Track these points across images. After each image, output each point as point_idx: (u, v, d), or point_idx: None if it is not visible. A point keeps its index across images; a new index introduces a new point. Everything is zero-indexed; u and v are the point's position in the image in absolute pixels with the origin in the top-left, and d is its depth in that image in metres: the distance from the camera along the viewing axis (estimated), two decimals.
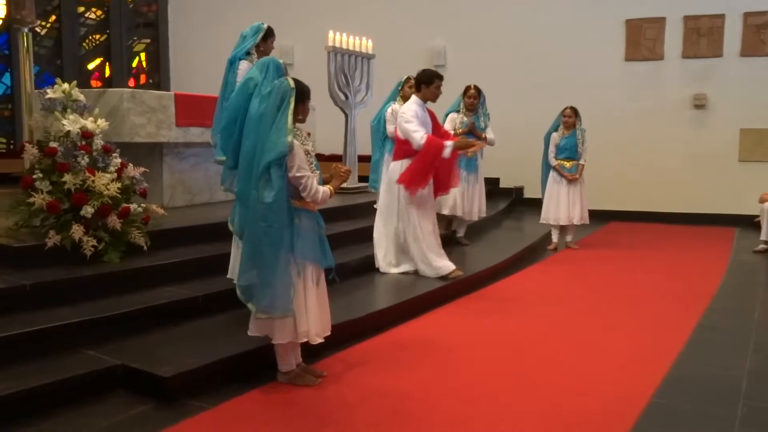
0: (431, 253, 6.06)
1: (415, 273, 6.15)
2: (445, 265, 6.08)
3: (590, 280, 6.71)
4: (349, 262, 6.03)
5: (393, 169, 6.06)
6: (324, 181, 3.88)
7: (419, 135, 5.80)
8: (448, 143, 5.87)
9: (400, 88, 7.27)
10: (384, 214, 6.18)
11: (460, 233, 7.78)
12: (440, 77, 6.02)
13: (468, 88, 7.41)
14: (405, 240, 6.06)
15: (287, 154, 3.59)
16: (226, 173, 4.96)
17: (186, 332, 4.39)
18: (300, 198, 3.75)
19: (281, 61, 4.66)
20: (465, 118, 7.46)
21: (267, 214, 3.60)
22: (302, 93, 3.76)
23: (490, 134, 7.51)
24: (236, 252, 4.75)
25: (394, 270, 6.14)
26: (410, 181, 5.89)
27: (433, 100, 6.09)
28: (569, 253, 8.05)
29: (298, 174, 3.64)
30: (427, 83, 5.97)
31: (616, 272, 7.10)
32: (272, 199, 3.58)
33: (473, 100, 7.39)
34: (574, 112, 8.02)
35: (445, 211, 7.46)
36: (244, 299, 3.77)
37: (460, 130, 7.37)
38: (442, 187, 6.17)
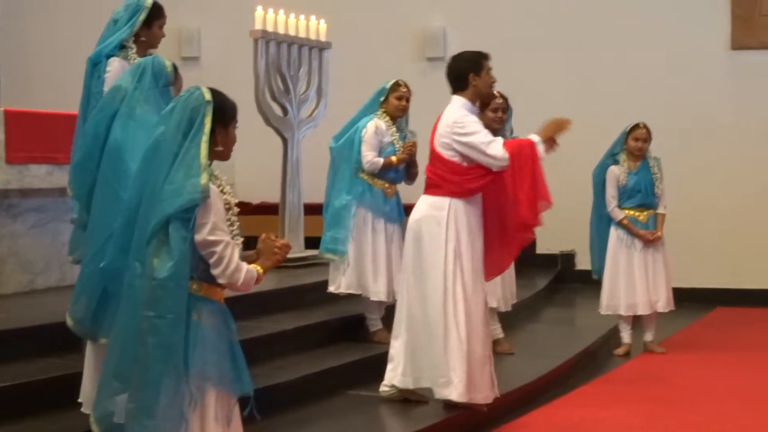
0: (489, 361, 6.02)
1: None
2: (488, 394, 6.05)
3: (687, 407, 6.71)
4: (289, 383, 6.05)
5: (432, 213, 6.04)
6: (246, 261, 3.90)
7: (497, 146, 5.89)
8: (533, 137, 6.01)
9: (383, 99, 7.37)
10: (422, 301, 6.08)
11: (498, 333, 7.76)
12: (487, 56, 6.16)
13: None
14: (435, 338, 6.02)
15: (199, 203, 3.66)
16: (77, 236, 5.04)
17: None
18: (207, 279, 3.79)
19: (169, 62, 4.77)
20: None
21: (158, 297, 3.64)
22: (223, 111, 3.84)
23: None
24: (92, 365, 4.77)
25: (473, 397, 5.94)
26: (535, 209, 6.01)
27: (491, 95, 6.38)
28: (651, 361, 8.08)
29: (211, 237, 3.68)
30: (476, 70, 6.07)
31: (728, 393, 7.10)
32: (168, 273, 3.63)
33: (502, 114, 7.49)
34: (650, 133, 8.18)
35: (493, 303, 7.50)
36: None
37: None
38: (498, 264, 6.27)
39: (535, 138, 6.01)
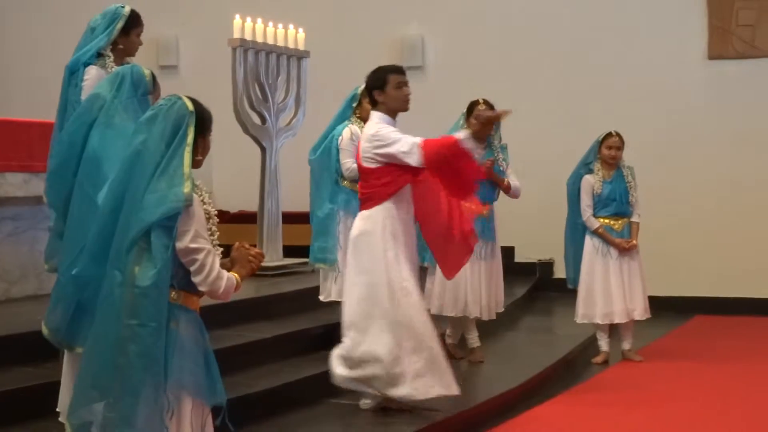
0: (424, 359, 6.02)
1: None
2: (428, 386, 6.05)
3: (665, 415, 6.75)
4: (268, 391, 6.05)
5: (367, 227, 6.08)
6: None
7: (409, 142, 5.93)
8: (460, 134, 6.02)
9: (355, 104, 7.41)
10: (369, 303, 6.09)
11: (475, 342, 7.74)
12: (398, 70, 6.19)
13: (474, 104, 7.62)
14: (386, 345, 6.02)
15: (181, 211, 3.68)
16: (54, 244, 5.06)
17: None
18: (185, 287, 3.80)
19: (148, 71, 4.78)
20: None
21: (140, 305, 3.65)
22: (203, 121, 3.88)
23: (512, 179, 7.70)
24: (69, 374, 4.77)
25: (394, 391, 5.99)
26: (469, 191, 6.12)
27: (404, 108, 6.21)
28: (629, 369, 8.12)
29: (193, 245, 3.72)
30: (380, 87, 6.12)
31: (706, 400, 7.16)
32: (151, 281, 3.65)
33: None
34: (622, 141, 8.21)
35: (452, 312, 7.54)
36: None
37: None
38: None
39: (460, 135, 6.02)
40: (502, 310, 7.89)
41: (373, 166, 6.08)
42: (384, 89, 6.09)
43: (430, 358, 6.00)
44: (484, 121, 6.12)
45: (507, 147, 7.78)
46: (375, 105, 6.18)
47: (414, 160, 5.92)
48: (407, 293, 6.03)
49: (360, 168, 6.23)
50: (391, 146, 5.97)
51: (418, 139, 5.95)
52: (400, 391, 5.96)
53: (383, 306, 6.01)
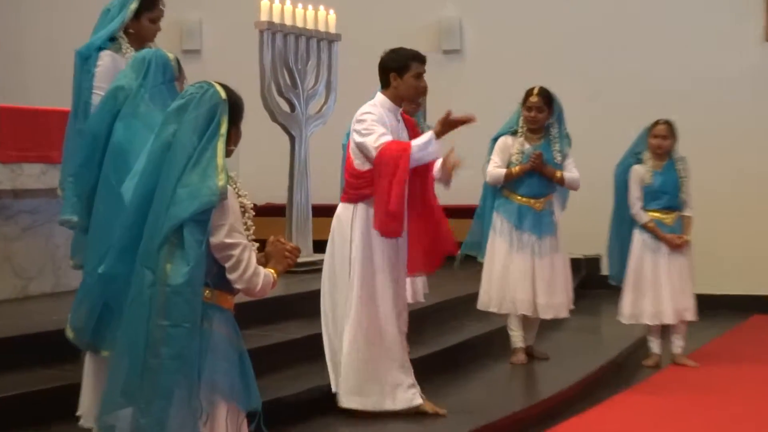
0: (396, 369, 6.06)
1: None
2: (410, 395, 6.07)
3: (720, 422, 6.71)
4: (296, 396, 6.06)
5: (341, 216, 6.12)
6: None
7: (372, 138, 5.82)
8: (414, 140, 5.91)
9: None
10: (331, 300, 6.26)
11: (517, 342, 7.72)
12: (421, 59, 6.11)
13: (529, 93, 7.59)
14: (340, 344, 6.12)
15: (216, 205, 3.68)
16: (80, 239, 5.06)
17: None
18: (219, 285, 3.80)
19: (172, 55, 4.76)
20: (527, 145, 7.58)
21: (173, 304, 3.66)
22: (236, 109, 3.87)
23: (571, 171, 7.66)
24: (92, 377, 4.80)
25: (358, 402, 6.05)
26: (381, 221, 5.90)
27: (414, 100, 6.18)
28: (681, 373, 8.04)
29: (228, 240, 3.74)
30: (398, 70, 6.04)
31: (764, 406, 7.09)
32: (184, 279, 3.65)
33: (537, 114, 7.53)
34: (671, 130, 8.07)
35: (496, 308, 7.60)
36: None
37: (518, 167, 7.51)
38: (427, 255, 6.26)
39: (414, 141, 5.90)
40: (569, 309, 7.84)
41: (351, 154, 6.02)
42: (402, 75, 6.03)
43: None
44: (446, 124, 5.92)
45: (568, 137, 7.74)
46: (386, 86, 6.10)
47: (371, 143, 5.81)
48: (354, 303, 6.06)
49: (347, 157, 6.15)
50: (367, 137, 5.88)
51: (384, 140, 5.80)
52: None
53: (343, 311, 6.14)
